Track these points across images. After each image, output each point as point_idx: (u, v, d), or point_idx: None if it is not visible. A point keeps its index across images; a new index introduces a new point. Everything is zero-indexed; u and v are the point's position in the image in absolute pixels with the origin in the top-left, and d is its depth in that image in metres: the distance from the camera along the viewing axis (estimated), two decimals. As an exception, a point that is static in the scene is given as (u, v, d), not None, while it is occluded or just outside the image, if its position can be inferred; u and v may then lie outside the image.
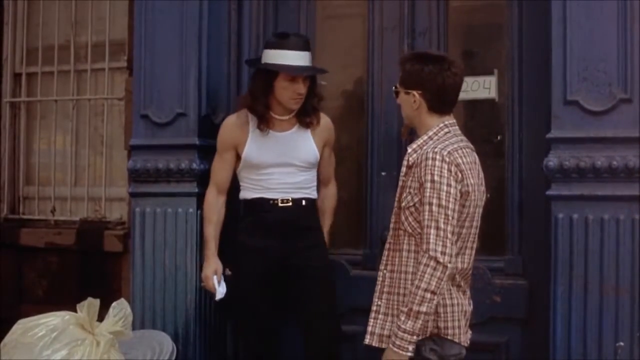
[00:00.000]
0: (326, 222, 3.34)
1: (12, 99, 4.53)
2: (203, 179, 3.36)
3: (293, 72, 3.10)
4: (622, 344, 2.77)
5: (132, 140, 3.49)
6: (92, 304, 2.93)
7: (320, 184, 3.34)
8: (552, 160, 2.86)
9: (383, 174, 3.41)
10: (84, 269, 4.17)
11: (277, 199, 3.18)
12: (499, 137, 3.27)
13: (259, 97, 3.16)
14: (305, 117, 3.22)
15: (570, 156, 2.84)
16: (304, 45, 3.15)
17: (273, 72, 3.12)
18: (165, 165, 3.36)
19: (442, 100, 2.56)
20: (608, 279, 2.79)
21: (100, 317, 2.97)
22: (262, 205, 3.19)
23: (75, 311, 2.95)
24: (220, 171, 3.25)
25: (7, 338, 2.94)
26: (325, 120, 3.29)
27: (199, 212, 3.34)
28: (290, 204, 3.18)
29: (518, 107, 3.21)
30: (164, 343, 3.21)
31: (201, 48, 3.38)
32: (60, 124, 4.43)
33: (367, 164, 3.43)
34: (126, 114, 4.05)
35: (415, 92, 2.57)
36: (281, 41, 3.14)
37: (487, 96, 3.27)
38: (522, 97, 3.21)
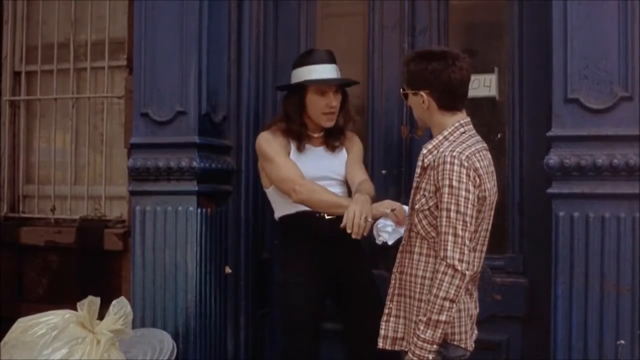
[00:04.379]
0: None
1: (12, 97, 4.52)
2: (203, 177, 3.36)
3: (320, 83, 3.07)
4: (622, 342, 2.77)
5: (132, 139, 3.49)
6: (92, 302, 2.93)
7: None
8: (552, 159, 2.86)
9: (383, 172, 3.41)
10: (84, 267, 4.17)
11: (322, 212, 3.10)
12: (499, 136, 3.27)
13: (294, 118, 3.13)
14: (330, 139, 3.19)
15: (571, 154, 2.84)
16: (329, 58, 3.12)
17: (303, 90, 3.10)
18: (165, 163, 3.36)
19: (451, 97, 2.51)
20: (609, 277, 2.79)
21: (101, 316, 2.97)
22: (310, 219, 3.10)
23: (76, 310, 2.95)
24: (294, 167, 3.08)
25: (8, 337, 2.94)
26: (349, 134, 3.27)
27: (199, 210, 3.34)
28: (334, 217, 3.08)
29: (519, 105, 3.22)
30: (165, 341, 3.21)
31: (201, 46, 3.38)
32: (60, 122, 4.43)
33: (368, 162, 3.43)
34: (126, 112, 4.05)
35: (422, 92, 2.52)
36: (306, 58, 3.13)
37: (488, 94, 3.28)
38: (523, 95, 3.21)
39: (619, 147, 2.80)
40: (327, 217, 3.09)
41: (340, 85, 3.15)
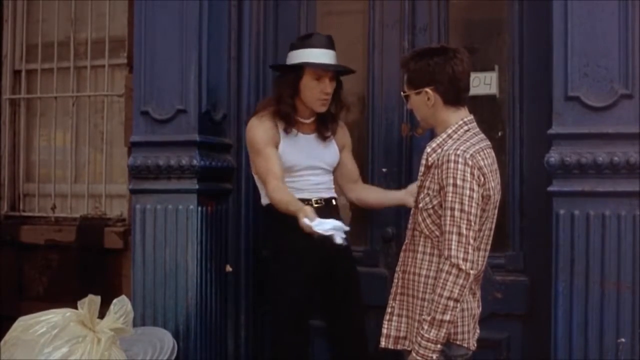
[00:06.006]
0: (390, 192, 3.25)
1: (12, 96, 4.52)
2: (203, 175, 3.35)
3: (319, 67, 3.05)
4: (623, 340, 2.77)
5: (132, 137, 3.49)
6: (92, 301, 2.93)
7: (353, 184, 3.30)
8: (553, 157, 2.85)
9: (384, 170, 3.41)
10: (84, 266, 4.17)
11: (311, 199, 3.13)
12: (499, 134, 3.27)
13: (285, 99, 3.10)
14: (323, 128, 3.19)
15: (571, 152, 2.83)
16: (328, 43, 3.11)
17: (299, 72, 3.08)
18: (165, 161, 3.36)
19: (455, 90, 2.49)
20: (609, 275, 2.78)
21: (101, 314, 2.97)
22: None
23: (76, 308, 2.95)
24: (274, 164, 3.07)
25: (8, 335, 2.94)
26: (340, 123, 3.27)
27: (199, 208, 3.34)
28: (322, 204, 3.15)
29: (519, 103, 3.21)
30: (165, 340, 3.21)
31: (201, 45, 3.37)
32: (60, 120, 4.43)
33: (368, 160, 3.43)
34: (126, 110, 4.05)
35: (427, 89, 2.50)
36: (305, 41, 3.11)
37: (488, 92, 3.27)
38: (523, 93, 3.21)
39: (620, 145, 2.79)
40: (314, 204, 3.11)
41: (335, 73, 3.14)
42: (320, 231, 2.77)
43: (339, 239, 2.77)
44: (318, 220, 2.79)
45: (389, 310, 2.60)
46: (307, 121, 3.20)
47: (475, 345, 2.56)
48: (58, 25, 4.40)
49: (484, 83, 3.26)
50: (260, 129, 3.13)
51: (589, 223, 2.82)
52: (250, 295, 3.58)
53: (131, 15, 3.72)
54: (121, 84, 4.18)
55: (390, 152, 3.41)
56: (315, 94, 3.10)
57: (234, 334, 3.57)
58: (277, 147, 3.13)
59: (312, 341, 3.30)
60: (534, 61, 3.16)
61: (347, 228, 2.82)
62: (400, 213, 3.33)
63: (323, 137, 3.21)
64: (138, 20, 3.45)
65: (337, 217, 3.22)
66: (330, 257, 3.13)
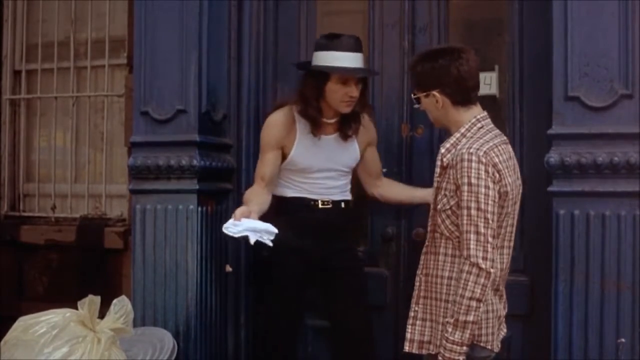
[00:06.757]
0: (415, 189, 3.25)
1: (12, 96, 4.51)
2: (203, 175, 3.35)
3: (344, 73, 3.02)
4: (623, 340, 2.77)
5: (132, 137, 3.49)
6: (92, 301, 2.93)
7: (375, 179, 3.30)
8: (553, 157, 2.85)
9: (384, 170, 3.40)
10: (84, 266, 4.16)
11: (317, 200, 3.15)
12: (499, 134, 3.27)
13: (311, 102, 3.08)
14: (346, 127, 3.15)
15: (571, 152, 2.83)
16: (355, 46, 3.06)
17: (324, 75, 3.04)
18: (165, 162, 3.36)
19: (463, 91, 2.49)
20: (609, 275, 2.78)
21: (101, 315, 2.97)
22: (303, 204, 3.15)
23: (76, 308, 2.95)
24: (266, 167, 3.15)
25: (8, 335, 2.93)
26: (365, 121, 3.22)
27: (199, 208, 3.34)
28: (330, 205, 3.16)
29: (519, 103, 3.22)
30: (165, 340, 3.21)
31: (201, 45, 3.37)
32: (60, 121, 4.42)
33: (368, 160, 3.43)
34: (126, 110, 4.05)
35: (435, 92, 2.50)
36: (332, 42, 3.05)
37: (488, 92, 3.26)
38: (523, 93, 3.21)
39: (620, 145, 2.79)
40: (320, 205, 3.13)
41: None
42: (229, 234, 2.83)
43: (252, 239, 2.82)
44: (242, 221, 2.84)
45: (412, 314, 2.57)
46: (331, 121, 3.16)
47: (500, 346, 2.54)
48: (58, 25, 4.39)
49: (484, 83, 3.24)
50: (274, 130, 3.15)
51: (589, 223, 2.82)
52: (250, 295, 3.58)
53: (131, 15, 3.71)
54: (121, 84, 4.18)
55: (390, 152, 3.41)
56: (340, 97, 3.06)
57: (234, 333, 3.57)
58: (286, 147, 3.14)
59: (309, 341, 3.31)
60: (534, 61, 3.16)
61: (275, 230, 2.85)
62: (400, 213, 3.34)
63: (345, 137, 3.18)
64: (138, 20, 3.45)
65: (347, 220, 3.23)
66: (324, 256, 3.14)
